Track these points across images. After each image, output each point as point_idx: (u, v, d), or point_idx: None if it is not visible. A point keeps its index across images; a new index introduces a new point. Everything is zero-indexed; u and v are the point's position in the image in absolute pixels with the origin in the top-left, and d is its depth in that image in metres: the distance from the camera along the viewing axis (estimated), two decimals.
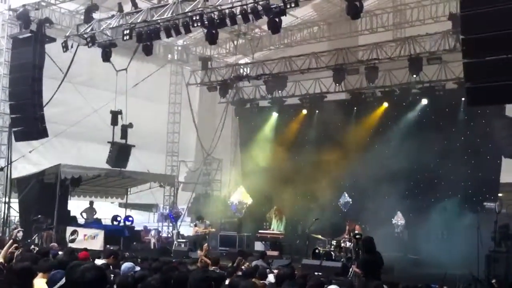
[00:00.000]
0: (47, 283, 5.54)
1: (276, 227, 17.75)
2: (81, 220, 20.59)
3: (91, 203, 21.32)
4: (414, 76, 18.18)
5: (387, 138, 19.37)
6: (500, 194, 16.47)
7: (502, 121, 16.09)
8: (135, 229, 21.65)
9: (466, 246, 14.57)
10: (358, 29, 20.59)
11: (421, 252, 16.44)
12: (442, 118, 18.62)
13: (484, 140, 17.50)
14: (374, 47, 18.62)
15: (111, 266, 8.50)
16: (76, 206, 21.09)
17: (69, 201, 20.53)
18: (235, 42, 23.12)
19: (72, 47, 17.87)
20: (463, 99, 16.50)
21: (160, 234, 23.27)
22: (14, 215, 19.89)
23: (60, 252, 10.31)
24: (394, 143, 18.98)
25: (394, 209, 17.83)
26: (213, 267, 9.96)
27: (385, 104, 19.99)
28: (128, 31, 16.01)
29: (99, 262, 8.55)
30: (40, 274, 5.93)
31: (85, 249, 10.67)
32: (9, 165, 19.27)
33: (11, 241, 9.17)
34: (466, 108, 16.83)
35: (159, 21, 15.67)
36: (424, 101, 19.00)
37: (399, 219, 17.54)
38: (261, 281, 8.31)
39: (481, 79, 10.43)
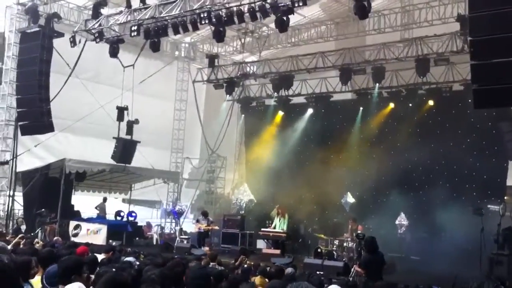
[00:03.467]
0: (42, 276, 5.55)
1: (278, 226, 17.73)
2: (84, 214, 20.70)
3: (105, 199, 21.63)
4: (421, 77, 18.12)
5: (393, 138, 19.34)
6: (505, 197, 16.39)
7: (508, 124, 16.01)
8: (138, 224, 21.71)
9: (469, 248, 14.55)
10: (365, 29, 20.49)
11: (423, 253, 16.39)
12: (448, 120, 18.54)
13: (490, 143, 17.43)
14: (382, 48, 18.58)
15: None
16: (80, 200, 21.18)
17: (73, 196, 20.60)
18: (242, 40, 23.10)
19: (79, 42, 17.91)
20: (469, 101, 16.45)
21: (163, 230, 23.34)
22: (18, 208, 19.96)
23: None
24: (400, 144, 18.95)
25: (398, 210, 17.80)
26: (212, 264, 9.98)
27: (391, 105, 19.95)
28: (135, 27, 16.04)
29: (99, 257, 8.58)
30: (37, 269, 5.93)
31: (86, 244, 10.69)
32: (14, 159, 19.35)
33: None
34: (473, 110, 16.74)
35: (167, 17, 15.69)
36: (431, 102, 18.92)
37: (402, 220, 17.53)
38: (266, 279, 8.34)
39: (488, 81, 10.36)
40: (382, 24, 19.79)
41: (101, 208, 21.35)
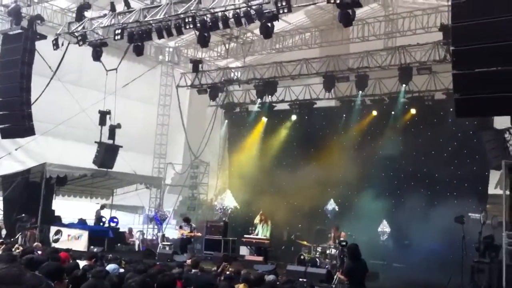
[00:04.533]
0: None
1: (261, 233, 17.69)
2: (65, 220, 20.42)
3: (103, 206, 21.57)
4: (404, 85, 18.27)
5: (375, 146, 19.42)
6: (487, 206, 16.52)
7: (489, 133, 16.15)
8: (120, 230, 21.49)
9: (450, 256, 14.63)
10: (349, 36, 20.63)
11: (405, 261, 16.47)
12: (430, 128, 18.68)
13: (472, 151, 17.56)
14: (365, 55, 18.71)
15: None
16: (61, 205, 20.90)
17: (54, 201, 20.33)
18: (227, 46, 23.09)
19: (62, 45, 17.72)
20: (451, 109, 16.61)
21: (145, 236, 23.12)
22: None
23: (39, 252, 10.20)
24: (382, 152, 19.06)
25: (380, 217, 17.86)
26: (194, 270, 9.90)
27: (374, 113, 20.04)
28: (119, 31, 15.90)
29: (81, 263, 8.46)
30: None
31: (67, 250, 10.54)
32: None
33: None
34: (454, 119, 16.89)
35: (151, 21, 15.60)
36: (413, 111, 19.04)
37: (384, 227, 17.57)
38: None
39: (470, 91, 10.46)
40: (366, 32, 19.94)
41: (97, 215, 21.17)
